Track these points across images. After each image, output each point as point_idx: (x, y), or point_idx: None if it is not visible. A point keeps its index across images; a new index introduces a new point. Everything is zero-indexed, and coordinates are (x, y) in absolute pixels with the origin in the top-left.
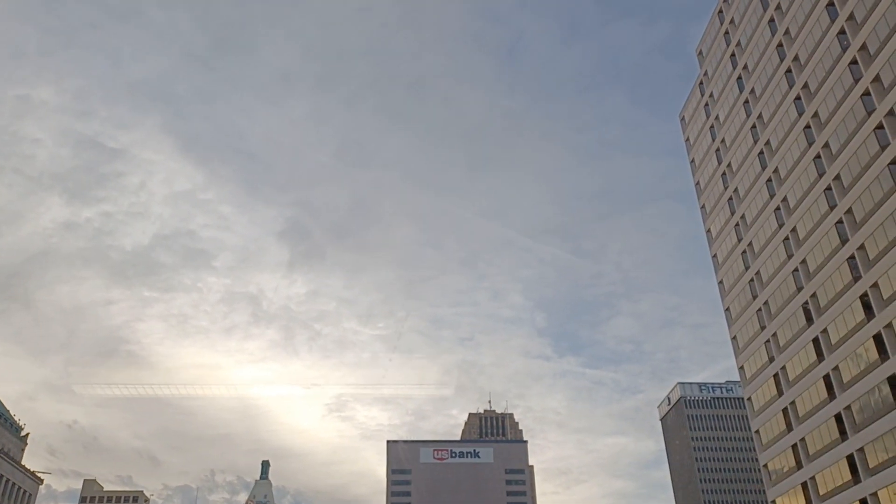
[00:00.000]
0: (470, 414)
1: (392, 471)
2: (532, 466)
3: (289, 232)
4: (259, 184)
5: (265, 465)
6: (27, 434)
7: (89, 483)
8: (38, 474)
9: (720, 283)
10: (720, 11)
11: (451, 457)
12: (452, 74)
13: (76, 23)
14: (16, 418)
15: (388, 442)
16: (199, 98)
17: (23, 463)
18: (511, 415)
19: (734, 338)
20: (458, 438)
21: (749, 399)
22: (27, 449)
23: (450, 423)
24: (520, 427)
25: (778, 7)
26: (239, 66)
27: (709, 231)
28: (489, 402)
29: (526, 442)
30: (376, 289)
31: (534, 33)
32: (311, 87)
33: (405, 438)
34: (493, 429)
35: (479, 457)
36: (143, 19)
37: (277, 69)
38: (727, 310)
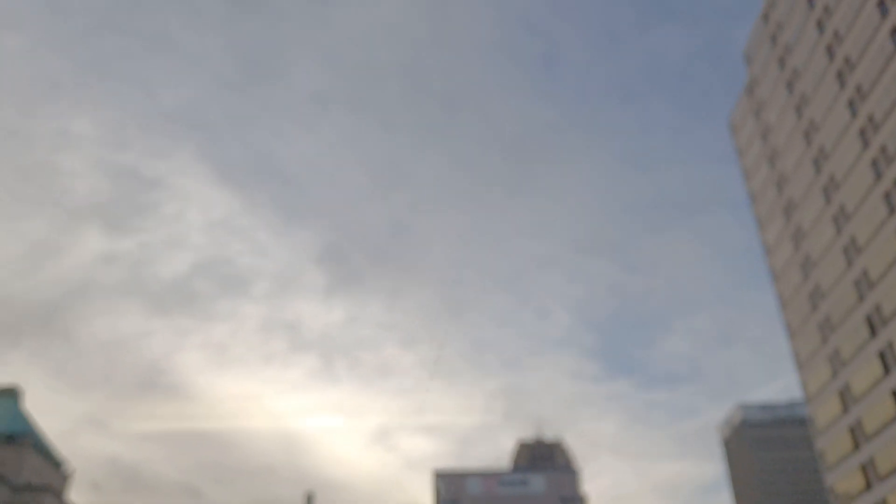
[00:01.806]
0: (518, 441)
1: (439, 502)
2: (586, 495)
3: (326, 257)
4: (295, 208)
5: (310, 497)
6: (71, 469)
7: None
8: None
9: (778, 295)
10: (766, 14)
11: (501, 486)
12: (487, 89)
13: (110, 54)
14: (59, 453)
15: (434, 472)
16: (233, 124)
17: (67, 498)
18: (562, 441)
19: (796, 353)
20: (507, 467)
21: (812, 417)
22: (71, 484)
23: (498, 451)
24: (572, 453)
25: (826, 8)
26: (272, 91)
27: (765, 241)
28: (538, 427)
29: (579, 469)
30: (417, 312)
31: (570, 43)
32: (345, 109)
33: (451, 468)
34: (544, 456)
35: (530, 486)
36: (175, 48)
37: (310, 92)
38: (787, 324)
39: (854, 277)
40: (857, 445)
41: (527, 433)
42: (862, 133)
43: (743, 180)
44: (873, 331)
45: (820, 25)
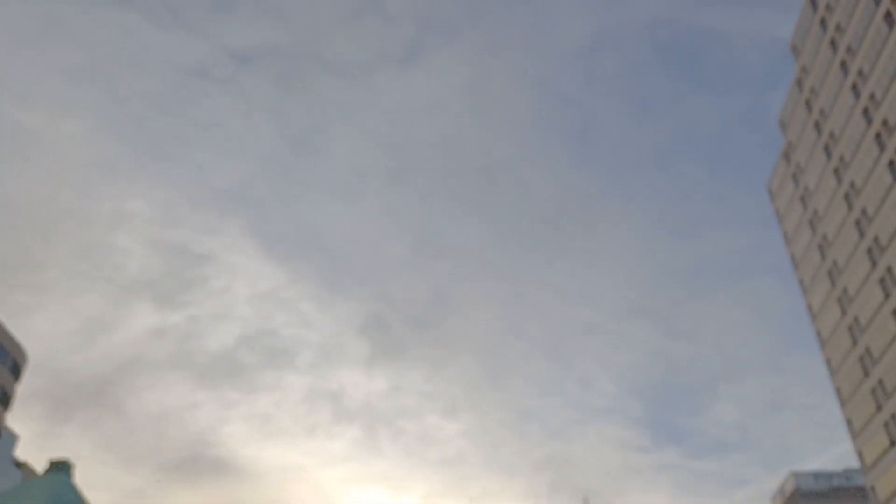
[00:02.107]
0: None
1: None
2: None
3: (369, 326)
4: (338, 280)
5: None
6: None
7: None
8: None
9: (827, 360)
10: (799, 80)
11: None
12: (524, 160)
13: (164, 137)
14: None
15: None
16: (279, 200)
17: None
18: None
19: (849, 420)
20: None
21: (872, 488)
22: None
23: None
24: None
25: (860, 72)
26: (315, 167)
27: (809, 306)
28: (586, 499)
29: None
30: (459, 381)
31: (605, 113)
32: (386, 182)
33: None
34: None
35: None
36: (225, 129)
37: (352, 167)
38: (838, 390)
39: None
40: None
41: None
42: None
43: (784, 245)
44: None
45: (855, 89)
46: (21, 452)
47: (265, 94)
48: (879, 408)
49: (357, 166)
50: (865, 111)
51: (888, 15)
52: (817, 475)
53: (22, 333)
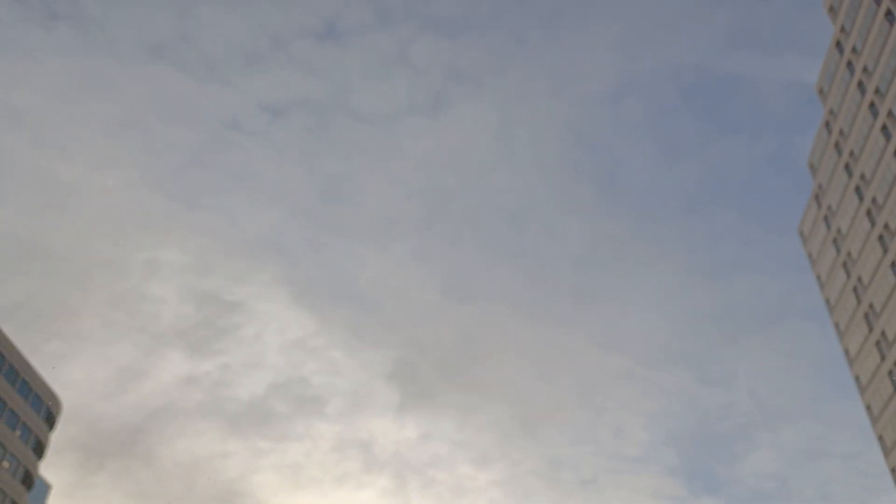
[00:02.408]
0: None
1: None
2: None
3: (398, 373)
4: (367, 326)
5: None
6: None
7: None
8: None
9: (867, 406)
10: (827, 123)
11: None
12: (552, 205)
13: (198, 188)
14: None
15: None
16: (309, 248)
17: None
18: None
19: (893, 469)
20: None
21: None
22: None
23: None
24: None
25: (889, 114)
26: (345, 215)
27: (846, 350)
28: None
29: None
30: (490, 429)
31: (633, 157)
32: (415, 229)
33: None
34: None
35: None
36: (257, 180)
37: (381, 214)
38: (880, 437)
39: None
40: None
41: None
42: None
43: (818, 288)
44: None
45: (885, 131)
46: (53, 503)
47: (296, 145)
48: None
49: (386, 213)
50: None
51: None
52: None
53: (56, 382)
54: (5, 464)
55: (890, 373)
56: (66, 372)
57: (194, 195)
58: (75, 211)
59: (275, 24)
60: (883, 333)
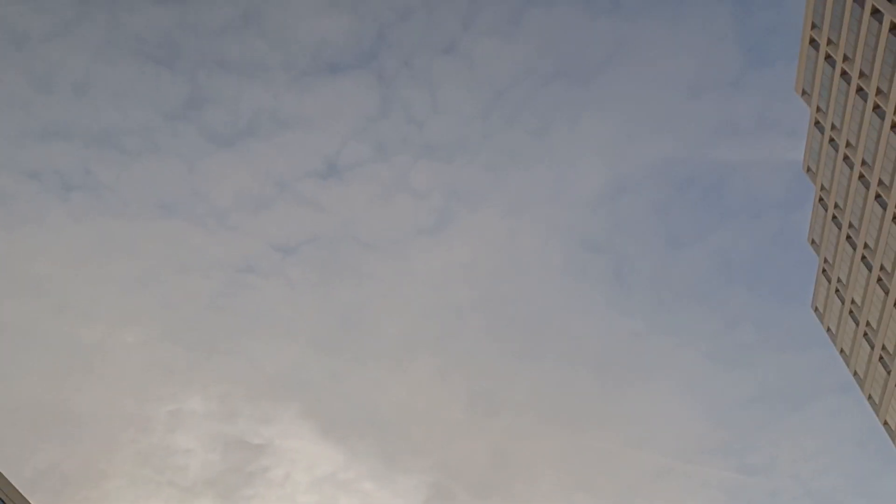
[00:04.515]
0: None
1: None
2: None
3: (432, 499)
4: (397, 453)
5: None
6: None
7: None
8: None
9: None
10: (821, 199)
11: None
12: (563, 308)
13: (216, 335)
14: None
15: None
16: (331, 379)
17: None
18: None
19: None
20: None
21: None
22: None
23: None
24: None
25: (880, 182)
26: (362, 342)
27: (885, 423)
28: None
29: None
30: None
31: (636, 253)
32: (433, 347)
33: None
34: None
35: None
36: (273, 317)
37: (397, 337)
38: None
39: None
40: None
41: None
42: None
43: (843, 362)
44: None
45: (880, 199)
46: None
47: (309, 279)
48: None
49: (402, 336)
50: (895, 218)
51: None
52: None
53: None
54: None
55: None
56: None
57: (213, 342)
58: (99, 371)
59: (279, 170)
60: None
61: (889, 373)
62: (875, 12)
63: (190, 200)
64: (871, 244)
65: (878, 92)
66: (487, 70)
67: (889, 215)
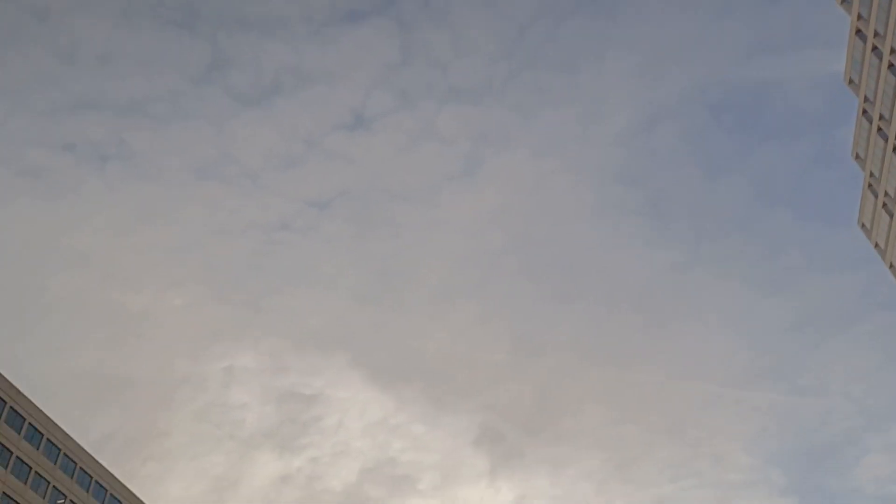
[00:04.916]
0: None
1: None
2: None
3: (483, 438)
4: (444, 396)
5: None
6: None
7: None
8: None
9: None
10: (865, 111)
11: None
12: (601, 245)
13: (259, 292)
14: None
15: None
16: (374, 329)
17: None
18: None
19: None
20: None
21: None
22: None
23: None
24: None
25: None
26: (403, 291)
27: None
28: None
29: None
30: (586, 479)
31: (674, 184)
32: (472, 292)
33: None
34: None
35: None
36: (313, 272)
37: (437, 284)
38: None
39: None
40: None
41: None
42: None
43: (892, 277)
44: None
45: None
46: None
47: (344, 233)
48: None
49: (440, 283)
50: None
51: None
52: None
53: (158, 503)
54: None
55: None
56: (163, 491)
57: (257, 299)
58: (150, 337)
59: (306, 126)
60: None
61: None
62: None
63: (221, 163)
64: None
65: None
66: (508, 6)
67: None
